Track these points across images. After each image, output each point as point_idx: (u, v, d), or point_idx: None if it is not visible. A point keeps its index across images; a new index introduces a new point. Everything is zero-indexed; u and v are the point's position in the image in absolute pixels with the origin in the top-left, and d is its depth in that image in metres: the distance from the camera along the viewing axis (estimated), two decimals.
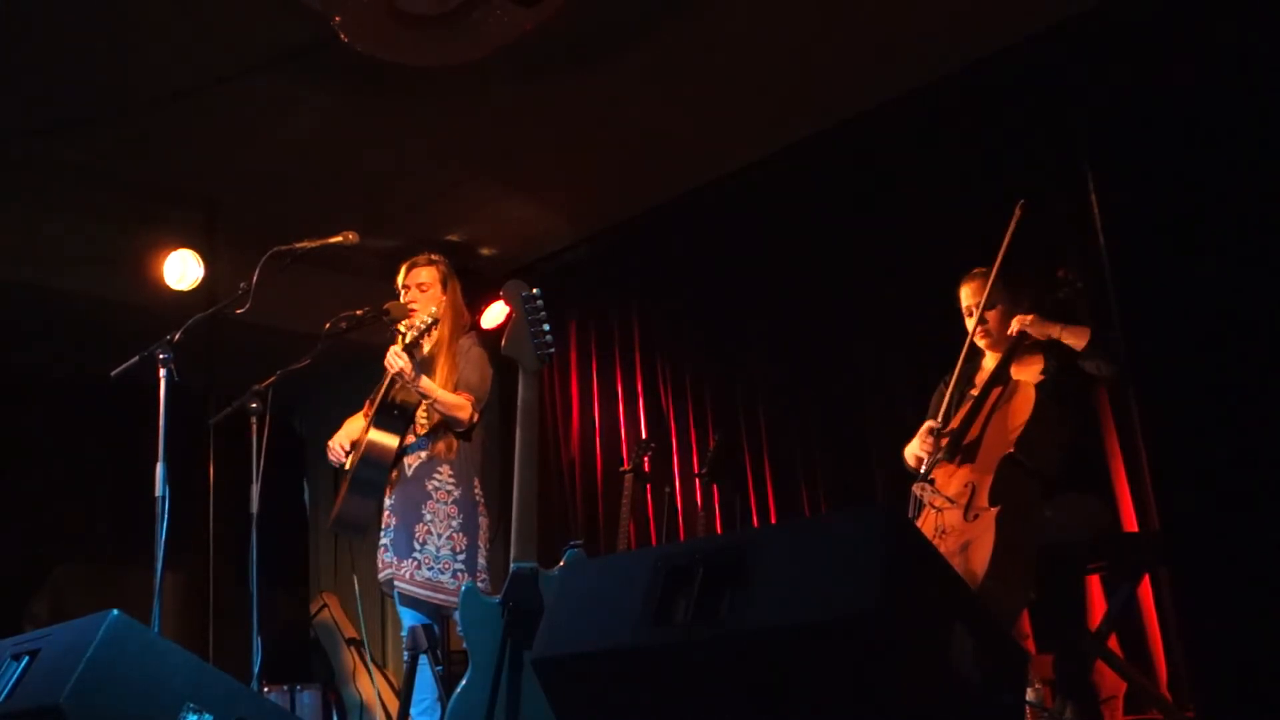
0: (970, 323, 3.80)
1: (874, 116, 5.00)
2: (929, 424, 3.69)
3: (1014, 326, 3.68)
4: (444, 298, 4.11)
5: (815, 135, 5.19)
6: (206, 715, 2.53)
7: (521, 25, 4.01)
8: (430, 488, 3.93)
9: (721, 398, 5.56)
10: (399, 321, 4.05)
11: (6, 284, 5.50)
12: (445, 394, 3.92)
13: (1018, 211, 3.73)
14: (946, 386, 3.81)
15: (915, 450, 3.70)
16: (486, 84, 4.68)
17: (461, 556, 3.88)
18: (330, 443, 4.13)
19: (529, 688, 2.61)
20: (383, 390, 3.98)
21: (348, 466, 4.06)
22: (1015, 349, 3.71)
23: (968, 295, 3.85)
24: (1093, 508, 3.57)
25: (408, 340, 3.91)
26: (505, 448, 4.90)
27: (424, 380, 3.88)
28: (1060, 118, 4.37)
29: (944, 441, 3.61)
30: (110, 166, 5.24)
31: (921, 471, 3.61)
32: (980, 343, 3.80)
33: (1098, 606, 3.97)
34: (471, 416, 3.98)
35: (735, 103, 4.99)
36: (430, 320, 3.91)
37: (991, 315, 3.77)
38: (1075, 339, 3.54)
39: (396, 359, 3.85)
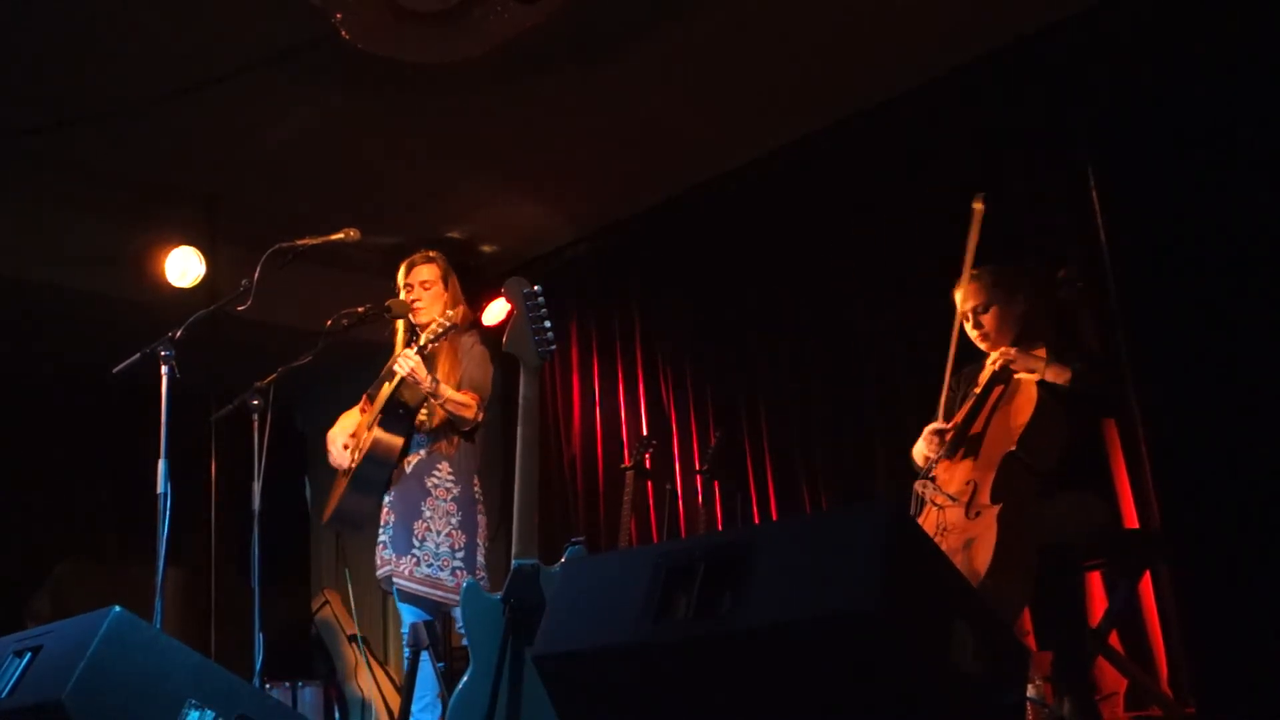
0: (968, 326, 3.79)
1: (875, 115, 5.00)
2: (934, 425, 3.67)
3: (997, 360, 3.65)
4: (446, 295, 4.11)
5: (815, 133, 5.20)
6: (208, 712, 2.53)
7: (522, 23, 4.00)
8: (429, 485, 3.93)
9: (723, 394, 5.56)
10: (399, 319, 4.06)
11: (8, 281, 5.50)
12: (455, 394, 3.92)
13: (979, 206, 3.70)
14: (953, 389, 3.81)
15: (922, 450, 3.70)
16: (487, 81, 4.68)
17: (460, 554, 3.89)
18: (330, 443, 4.11)
19: (530, 684, 2.62)
20: (388, 390, 3.98)
21: (346, 466, 4.06)
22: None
23: (962, 299, 3.82)
24: (1093, 505, 3.57)
25: (422, 343, 3.90)
26: (506, 445, 4.90)
27: (439, 385, 3.88)
28: (1061, 116, 4.37)
29: (948, 437, 3.61)
30: (111, 164, 5.25)
31: (924, 469, 3.61)
32: (981, 346, 3.79)
33: (1099, 603, 3.97)
34: (477, 415, 3.99)
35: (735, 101, 4.99)
36: (449, 325, 3.89)
37: (987, 318, 3.74)
38: (1057, 378, 3.49)
39: (408, 361, 3.84)
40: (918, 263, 4.71)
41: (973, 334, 3.76)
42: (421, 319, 4.03)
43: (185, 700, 2.52)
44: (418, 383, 3.84)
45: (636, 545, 5.36)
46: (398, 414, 3.96)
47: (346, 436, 4.11)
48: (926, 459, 3.66)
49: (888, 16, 4.41)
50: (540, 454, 3.09)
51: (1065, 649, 3.30)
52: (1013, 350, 3.62)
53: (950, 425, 3.63)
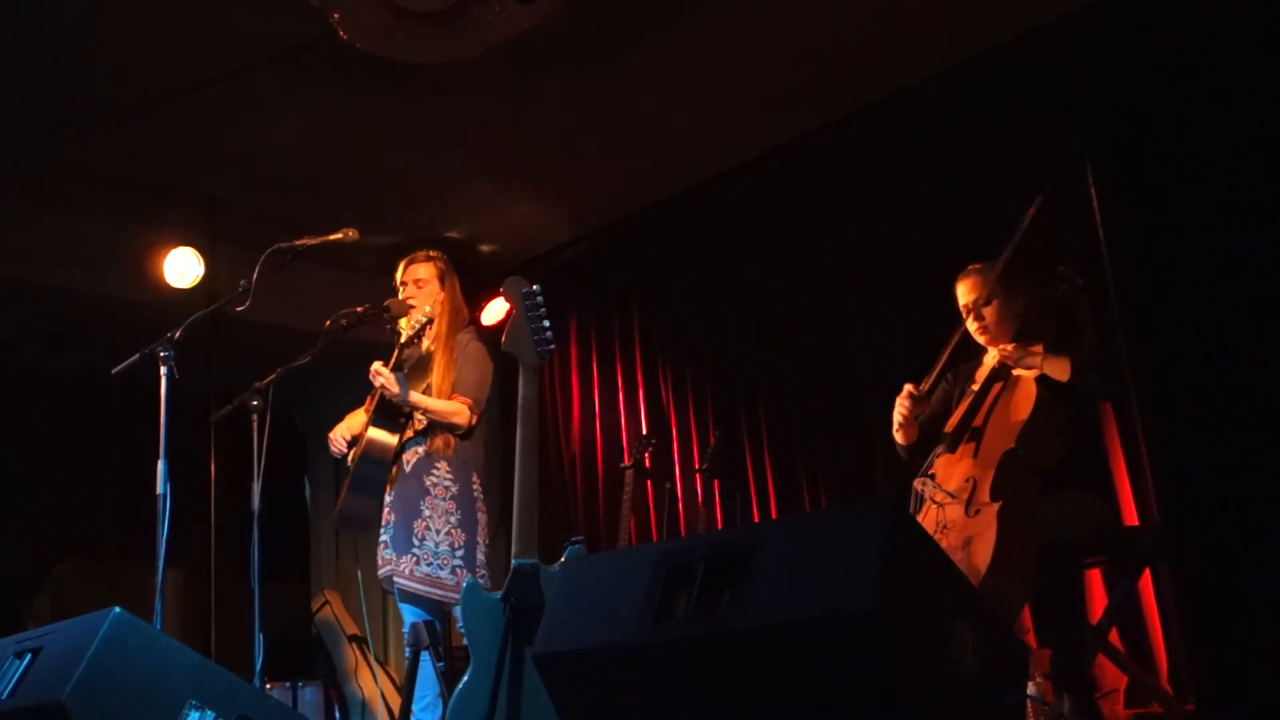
0: (969, 320, 3.79)
1: (874, 113, 5.00)
2: (908, 387, 3.70)
3: (994, 358, 3.67)
4: (441, 294, 4.11)
5: (815, 132, 5.19)
6: (209, 712, 2.53)
7: (522, 23, 4.00)
8: (428, 484, 3.93)
9: (722, 393, 5.56)
10: (399, 319, 4.06)
11: (8, 281, 5.50)
12: (438, 404, 3.92)
13: (1037, 201, 3.68)
14: (949, 385, 3.81)
15: (895, 418, 3.73)
16: (486, 80, 4.68)
17: (460, 552, 3.88)
18: (331, 434, 4.14)
19: (530, 683, 2.62)
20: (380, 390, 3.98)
21: (349, 460, 4.07)
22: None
23: (964, 292, 3.82)
24: (1092, 503, 3.57)
25: (404, 339, 3.90)
26: (506, 444, 4.91)
27: (413, 396, 3.90)
28: (1061, 113, 4.37)
29: (924, 386, 3.64)
30: (110, 164, 5.24)
31: (922, 467, 3.62)
32: (980, 339, 3.79)
33: (1098, 601, 3.98)
34: (470, 420, 3.98)
35: (735, 99, 4.99)
36: (424, 320, 3.91)
37: (989, 311, 3.74)
38: (1057, 372, 3.49)
39: (378, 376, 3.85)
40: (918, 263, 4.70)
41: (973, 328, 3.77)
42: (410, 320, 4.02)
43: (185, 700, 2.52)
44: (391, 397, 3.85)
45: (636, 544, 5.36)
46: (390, 413, 3.97)
47: (348, 433, 4.12)
48: (898, 425, 3.69)
49: (887, 16, 4.41)
50: (540, 453, 3.09)
51: (1065, 646, 3.30)
52: (1010, 347, 3.64)
53: (922, 387, 3.66)
